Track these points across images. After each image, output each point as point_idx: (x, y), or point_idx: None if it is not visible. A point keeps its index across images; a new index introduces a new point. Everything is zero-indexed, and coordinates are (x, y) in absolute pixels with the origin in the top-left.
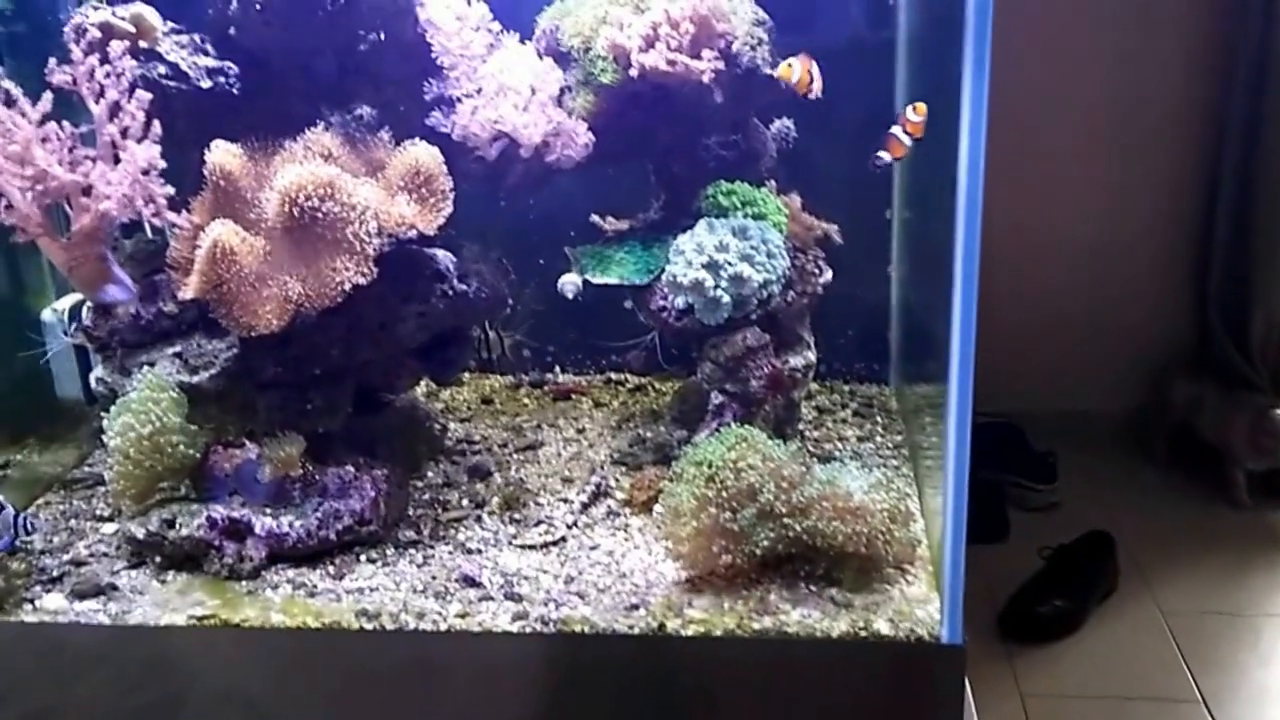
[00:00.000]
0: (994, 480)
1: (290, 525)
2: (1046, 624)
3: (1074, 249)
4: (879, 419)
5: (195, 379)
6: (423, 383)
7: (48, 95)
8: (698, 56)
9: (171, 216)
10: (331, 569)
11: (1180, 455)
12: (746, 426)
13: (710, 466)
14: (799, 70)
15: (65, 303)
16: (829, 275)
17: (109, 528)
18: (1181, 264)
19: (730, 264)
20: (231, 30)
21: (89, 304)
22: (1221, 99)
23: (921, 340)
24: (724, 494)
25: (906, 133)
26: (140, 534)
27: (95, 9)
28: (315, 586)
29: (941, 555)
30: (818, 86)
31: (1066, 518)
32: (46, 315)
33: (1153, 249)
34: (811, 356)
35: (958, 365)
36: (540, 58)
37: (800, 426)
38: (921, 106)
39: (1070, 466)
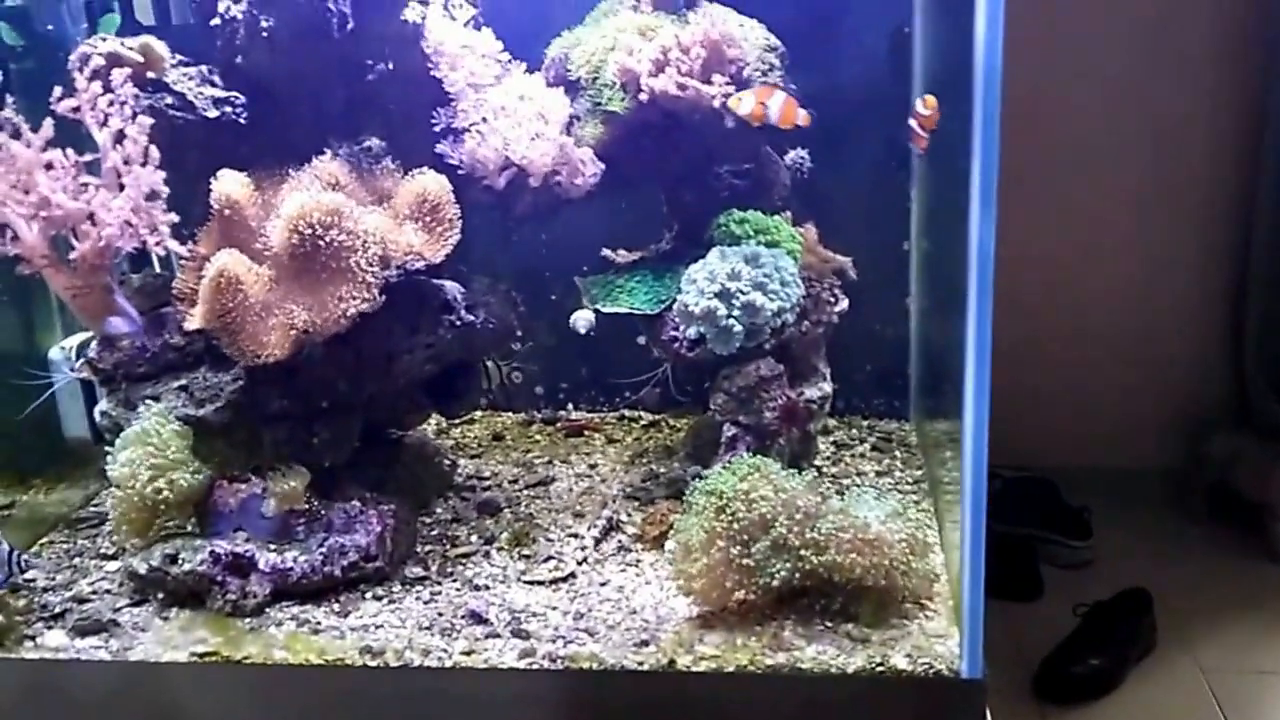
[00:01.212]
0: (1027, 536)
1: (294, 561)
2: (1083, 684)
3: (1108, 300)
4: (898, 454)
5: (200, 412)
6: (433, 420)
7: (48, 122)
8: (708, 82)
9: (174, 245)
10: (336, 606)
11: (1219, 510)
12: (759, 457)
13: (721, 497)
14: (749, 103)
15: (73, 340)
16: (845, 304)
17: (113, 565)
18: (1218, 315)
19: (743, 292)
20: (238, 59)
21: (95, 337)
22: (1255, 149)
23: (941, 374)
24: (735, 526)
25: (921, 127)
26: (142, 569)
27: (104, 39)
28: (319, 623)
29: (960, 588)
30: (786, 116)
31: (1102, 575)
32: (54, 353)
33: (1189, 300)
34: (827, 388)
35: (973, 395)
36: (549, 86)
37: (817, 461)
38: (931, 99)
39: (1105, 522)
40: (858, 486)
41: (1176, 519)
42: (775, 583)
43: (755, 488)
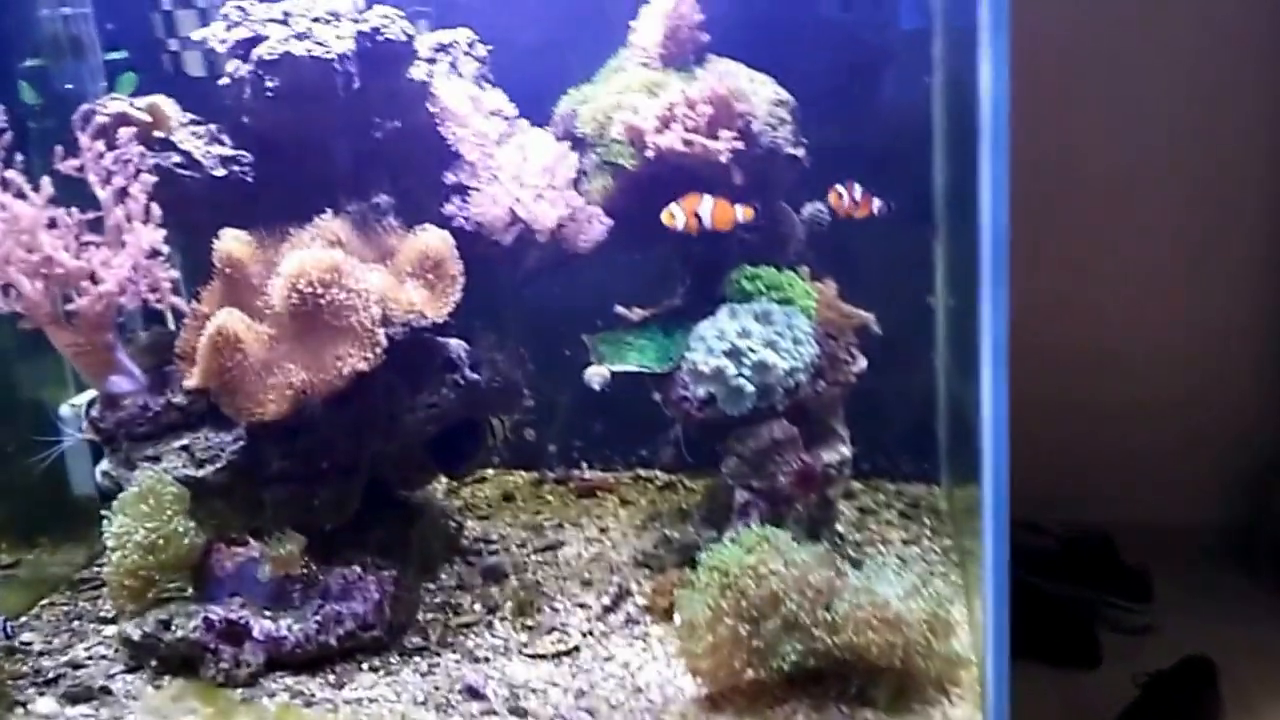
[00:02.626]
0: (1083, 599)
1: (289, 629)
2: None
3: (1165, 349)
4: (926, 521)
5: (200, 473)
6: (444, 479)
7: (46, 180)
8: (715, 137)
9: (175, 300)
10: (331, 677)
11: None
12: (768, 527)
13: (727, 573)
14: (680, 216)
15: (84, 397)
16: (863, 364)
17: (111, 629)
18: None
19: (753, 350)
20: (245, 118)
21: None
22: None
23: (970, 436)
24: (743, 603)
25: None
26: (136, 635)
27: (115, 99)
28: (313, 695)
29: (984, 670)
30: (721, 219)
31: (1163, 641)
32: (64, 410)
33: (1251, 349)
34: (846, 451)
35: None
36: (557, 142)
37: (839, 527)
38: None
39: (1166, 584)
40: (876, 559)
41: (1241, 579)
42: (786, 665)
43: (764, 561)
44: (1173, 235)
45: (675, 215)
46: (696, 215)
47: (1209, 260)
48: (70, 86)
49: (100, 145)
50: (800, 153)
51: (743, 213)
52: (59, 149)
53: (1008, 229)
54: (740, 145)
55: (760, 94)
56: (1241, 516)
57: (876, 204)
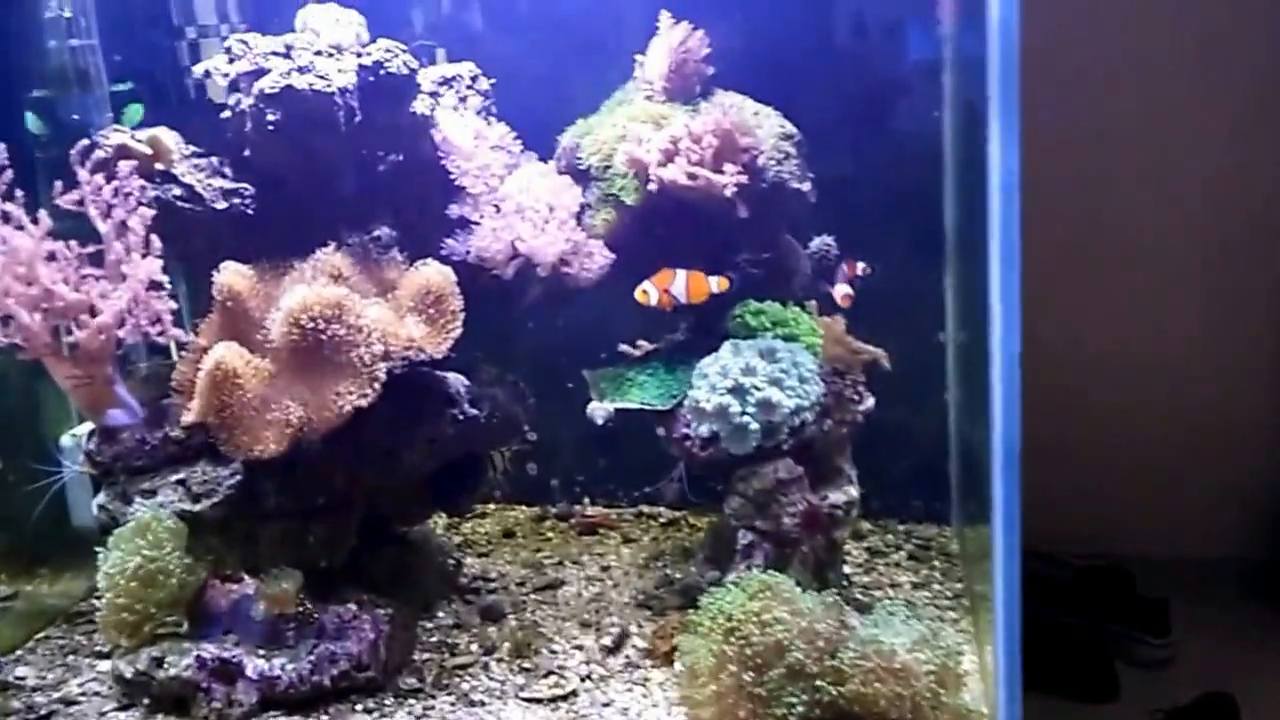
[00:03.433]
0: (1100, 631)
1: (282, 668)
2: None
3: (1185, 382)
4: (937, 563)
5: (197, 508)
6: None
7: (44, 213)
8: (720, 170)
9: (176, 333)
10: (325, 718)
11: None
12: (771, 573)
13: (730, 619)
14: (654, 294)
15: (84, 428)
16: (870, 403)
17: (106, 664)
18: None
19: (757, 388)
20: (247, 151)
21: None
22: None
23: (982, 476)
24: (747, 650)
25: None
26: (128, 673)
27: (116, 131)
28: None
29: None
30: (696, 292)
31: (1182, 676)
32: (65, 440)
33: (1270, 383)
34: (853, 492)
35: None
36: (560, 175)
37: (848, 569)
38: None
39: (1185, 617)
40: (884, 606)
41: (1261, 612)
42: (791, 715)
43: (768, 608)
44: (1195, 268)
45: (648, 293)
46: (669, 291)
47: (1232, 293)
48: (76, 117)
49: (99, 179)
50: (806, 187)
51: (717, 284)
52: (58, 183)
53: (1020, 259)
54: (745, 179)
55: (766, 127)
56: (1261, 550)
57: (860, 266)
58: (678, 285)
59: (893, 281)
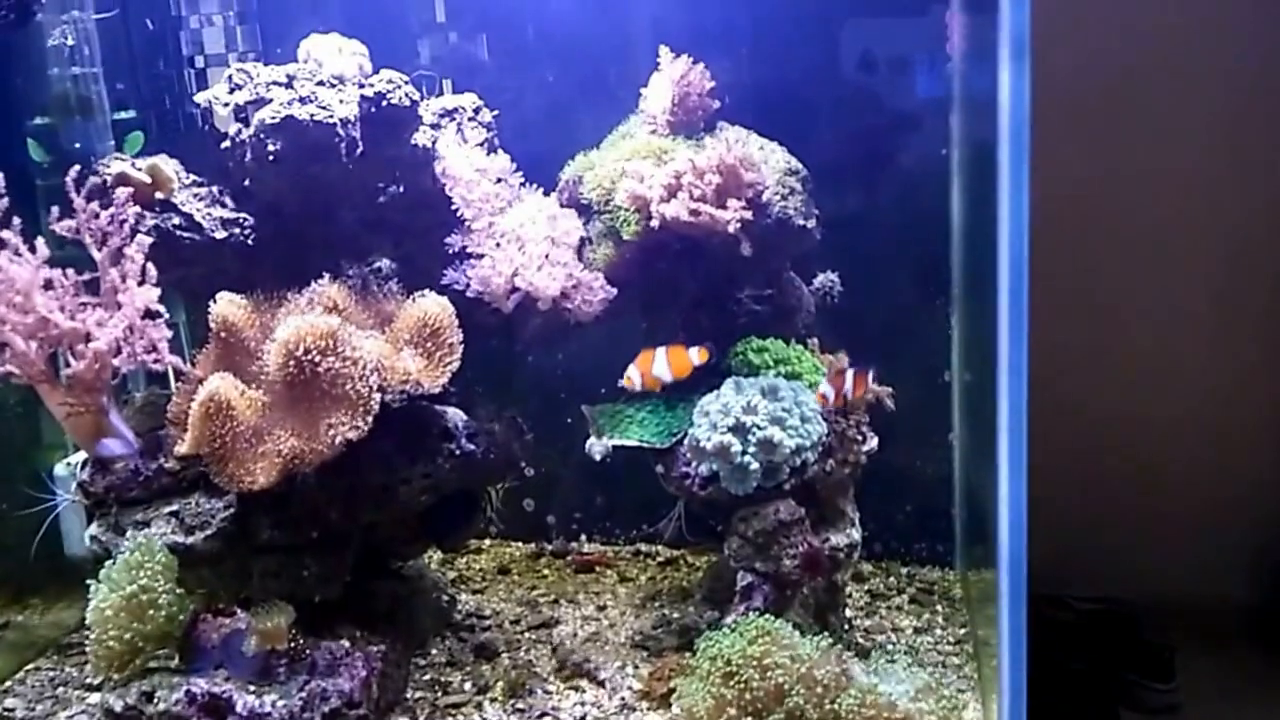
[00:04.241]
0: (1105, 676)
1: (273, 705)
2: None
3: (1192, 424)
4: (940, 608)
5: (190, 540)
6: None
7: (41, 241)
8: (724, 206)
9: (173, 359)
10: None
11: None
12: (768, 617)
13: (729, 663)
14: (637, 377)
15: (79, 457)
16: (874, 443)
17: (95, 697)
18: None
19: (759, 427)
20: (247, 181)
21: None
22: None
23: (987, 519)
24: (747, 695)
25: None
26: (118, 707)
27: (116, 159)
28: None
29: None
30: (679, 369)
31: None
32: (60, 469)
33: (1277, 426)
34: (855, 534)
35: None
36: (562, 209)
37: (848, 612)
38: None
39: (1191, 662)
40: (887, 653)
41: (1268, 659)
42: None
43: (768, 653)
44: (1200, 310)
45: (634, 379)
46: (651, 373)
47: (1239, 335)
48: (78, 145)
49: (95, 206)
50: (811, 223)
51: (698, 355)
52: (54, 210)
53: (1027, 303)
54: (748, 215)
55: (771, 162)
56: (1268, 595)
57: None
58: (659, 366)
59: (898, 320)
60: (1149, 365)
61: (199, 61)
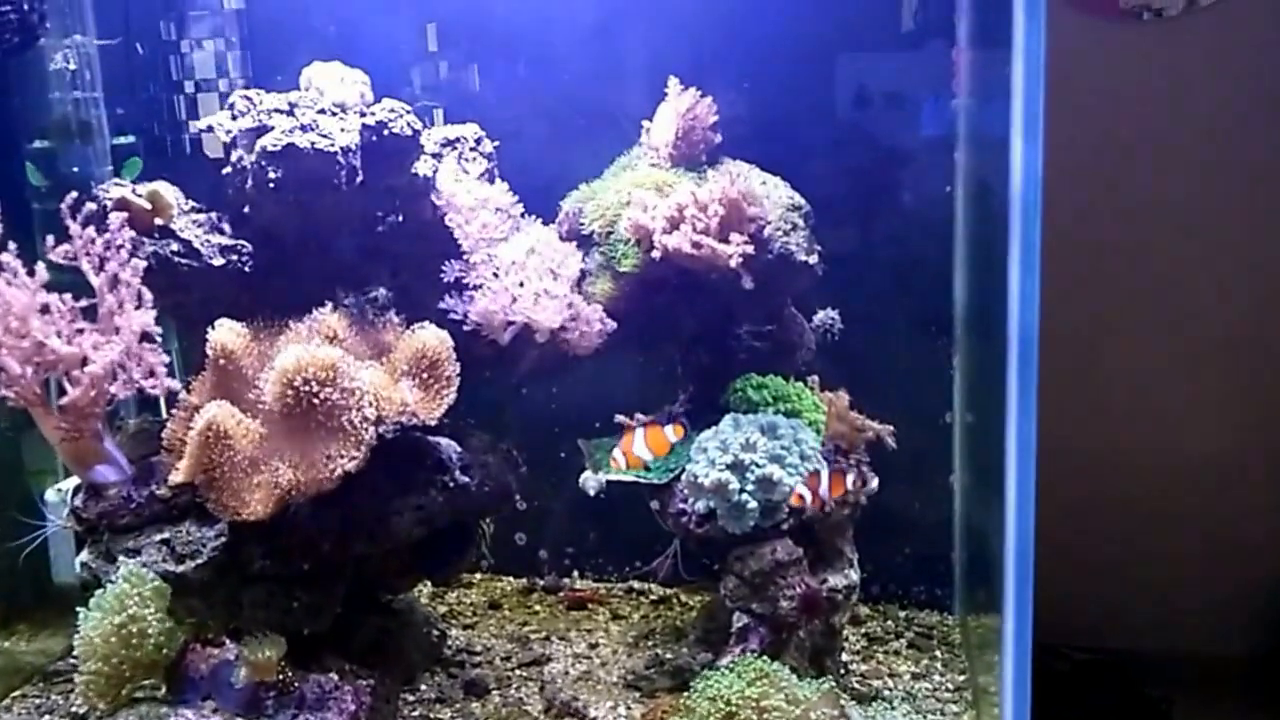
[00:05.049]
0: None
1: None
2: None
3: (1190, 475)
4: (938, 653)
5: (180, 568)
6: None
7: (41, 266)
8: (726, 240)
9: (171, 383)
10: None
11: None
12: (765, 660)
13: (728, 703)
14: (620, 458)
15: (69, 483)
16: (875, 484)
17: None
18: None
19: (758, 465)
20: (246, 208)
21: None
22: None
23: (988, 562)
24: None
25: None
26: None
27: (116, 184)
28: None
29: None
30: (657, 448)
31: None
32: (50, 495)
33: (1275, 475)
34: (854, 576)
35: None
36: (561, 240)
37: (845, 656)
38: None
39: (1189, 715)
40: (884, 700)
41: (1266, 713)
42: None
43: (766, 695)
44: (1204, 364)
45: (619, 460)
46: (630, 453)
47: (1243, 390)
48: (76, 169)
49: (91, 231)
50: (814, 259)
51: (673, 432)
52: (49, 237)
53: (1036, 346)
54: (750, 250)
55: (774, 197)
56: (1267, 648)
57: (850, 480)
58: (639, 445)
59: (899, 359)
60: (1149, 416)
61: (200, 87)
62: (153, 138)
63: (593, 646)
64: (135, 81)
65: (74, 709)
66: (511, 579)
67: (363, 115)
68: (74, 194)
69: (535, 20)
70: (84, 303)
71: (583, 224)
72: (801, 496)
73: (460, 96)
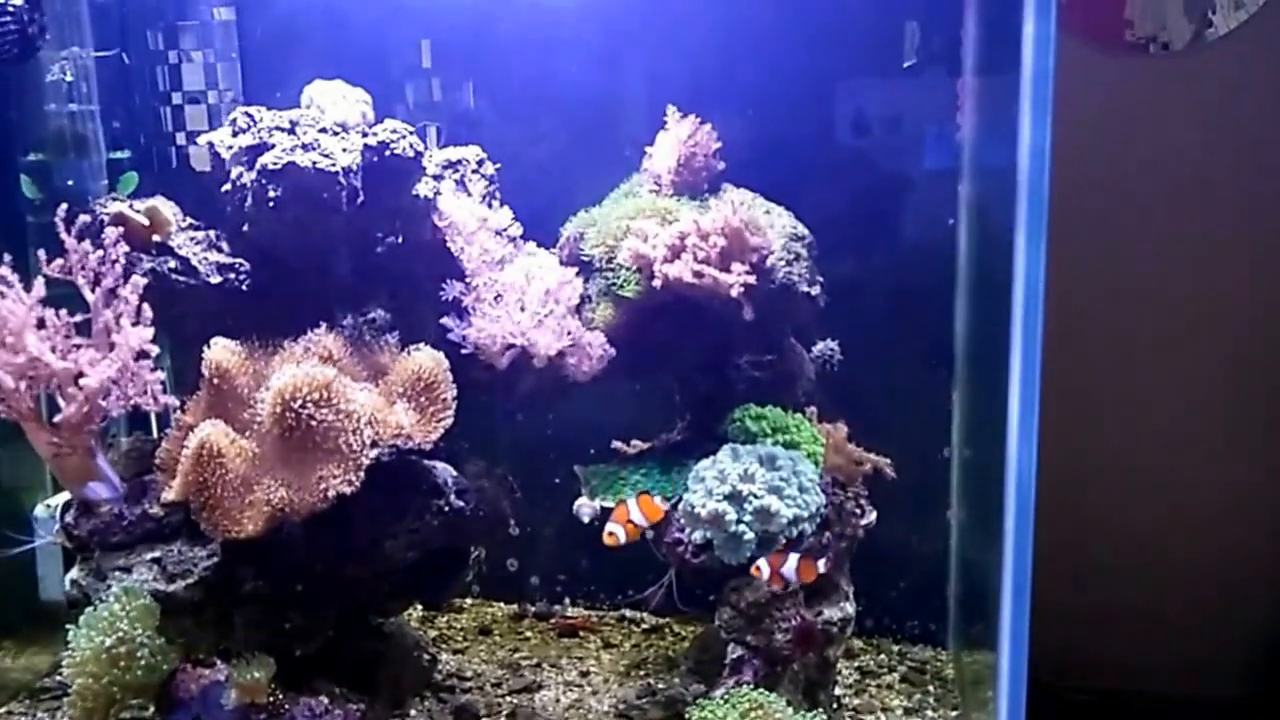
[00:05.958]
0: None
1: None
2: None
3: (1188, 518)
4: (931, 689)
5: (171, 588)
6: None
7: (39, 281)
8: (727, 269)
9: (168, 400)
10: None
11: None
12: (761, 691)
13: None
14: (622, 532)
15: (59, 499)
16: (872, 517)
17: None
18: None
19: (755, 496)
20: (245, 226)
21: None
22: None
23: (983, 599)
24: None
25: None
26: None
27: (113, 199)
28: None
29: None
30: (632, 533)
31: None
32: (39, 511)
33: (1274, 519)
34: (850, 609)
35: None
36: (562, 265)
37: (837, 690)
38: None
39: None
40: None
41: None
42: None
43: None
44: (1203, 409)
45: (615, 534)
46: (631, 522)
47: (1243, 431)
48: (71, 183)
49: (87, 246)
50: (815, 290)
51: (662, 501)
52: (42, 254)
53: (1038, 382)
54: (752, 280)
55: (776, 227)
56: (1263, 692)
57: (822, 564)
58: (635, 513)
59: (898, 392)
60: (1148, 461)
61: (195, 100)
62: (148, 152)
63: (584, 674)
64: (131, 95)
65: None
66: (503, 604)
67: (365, 135)
68: (65, 207)
69: (538, 44)
70: (79, 318)
71: (583, 249)
72: (759, 569)
73: (458, 118)
